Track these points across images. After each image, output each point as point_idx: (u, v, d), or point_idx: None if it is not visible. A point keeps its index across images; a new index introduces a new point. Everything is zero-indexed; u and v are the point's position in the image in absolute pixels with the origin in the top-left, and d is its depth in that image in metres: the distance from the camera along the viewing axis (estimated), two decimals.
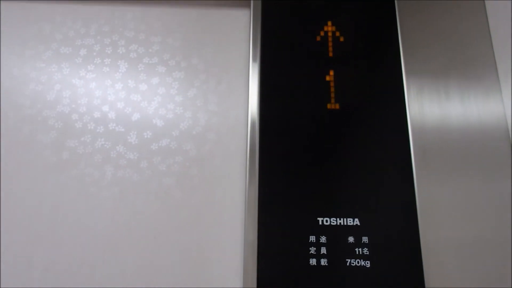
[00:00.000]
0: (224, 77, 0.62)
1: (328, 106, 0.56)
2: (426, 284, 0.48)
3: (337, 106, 0.56)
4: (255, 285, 0.49)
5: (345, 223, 0.51)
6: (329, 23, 0.59)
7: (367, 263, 0.49)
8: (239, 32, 0.64)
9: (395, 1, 0.60)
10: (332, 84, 0.57)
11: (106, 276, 0.52)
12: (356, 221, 0.51)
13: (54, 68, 0.62)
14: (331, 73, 0.57)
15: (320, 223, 0.51)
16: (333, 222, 0.51)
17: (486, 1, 0.61)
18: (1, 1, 0.65)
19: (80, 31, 0.63)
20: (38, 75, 0.61)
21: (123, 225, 0.55)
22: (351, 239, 0.50)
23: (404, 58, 0.58)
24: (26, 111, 0.59)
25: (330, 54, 0.58)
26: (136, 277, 0.52)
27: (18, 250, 0.53)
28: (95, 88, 0.61)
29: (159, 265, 0.53)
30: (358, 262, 0.49)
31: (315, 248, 0.50)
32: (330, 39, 0.59)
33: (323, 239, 0.50)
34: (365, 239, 0.50)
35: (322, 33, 0.59)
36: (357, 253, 0.49)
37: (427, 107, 0.56)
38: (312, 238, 0.50)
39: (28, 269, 0.53)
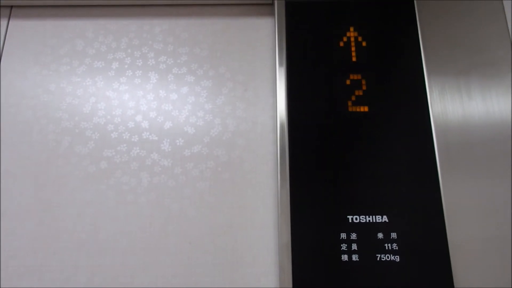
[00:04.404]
0: (251, 84, 0.67)
1: (354, 108, 0.61)
2: (455, 278, 0.53)
3: (365, 109, 0.61)
4: (291, 283, 0.54)
5: (374, 220, 0.56)
6: (351, 28, 0.65)
7: (397, 257, 0.54)
8: (264, 40, 0.70)
9: (415, 5, 0.65)
10: (356, 87, 0.62)
11: (147, 277, 0.58)
12: (385, 218, 0.56)
13: (89, 82, 0.68)
14: (355, 76, 0.62)
15: (350, 220, 0.56)
16: (363, 220, 0.56)
17: (504, 2, 0.65)
18: (35, 21, 0.71)
19: (112, 46, 0.70)
20: (74, 89, 0.68)
21: (161, 229, 0.60)
22: (380, 235, 0.55)
23: (425, 60, 0.63)
24: (65, 124, 0.66)
25: (354, 59, 0.63)
26: (175, 278, 0.58)
27: (65, 257, 0.59)
28: (128, 99, 0.67)
29: (196, 267, 0.59)
30: (388, 257, 0.54)
31: (346, 245, 0.55)
32: (353, 44, 0.64)
33: (353, 236, 0.55)
34: (393, 234, 0.55)
35: (345, 39, 0.64)
36: (386, 248, 0.54)
37: (450, 107, 0.61)
38: (343, 235, 0.55)
39: (75, 273, 0.59)
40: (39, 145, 0.65)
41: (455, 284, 0.53)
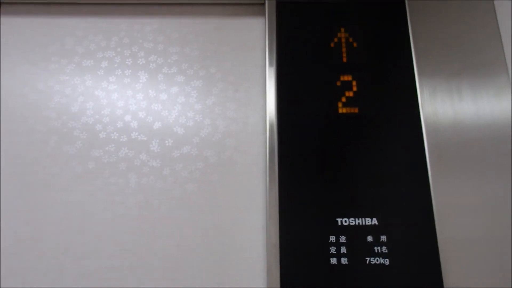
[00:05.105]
0: (242, 85, 0.67)
1: (344, 110, 0.61)
2: (445, 280, 0.53)
3: (355, 110, 0.61)
4: (278, 285, 0.53)
5: (364, 223, 0.55)
6: (342, 29, 0.64)
7: (386, 260, 0.54)
8: (255, 40, 0.69)
9: (406, 6, 0.65)
10: (347, 88, 0.62)
11: (135, 280, 0.58)
12: (374, 221, 0.55)
13: (78, 80, 0.67)
14: (346, 78, 0.62)
15: (340, 223, 0.56)
16: (352, 222, 0.56)
17: (495, 3, 0.65)
18: (25, 18, 0.71)
19: (101, 44, 0.69)
20: (63, 88, 0.67)
21: (149, 231, 0.60)
22: (369, 238, 0.55)
23: (416, 61, 0.62)
24: (52, 123, 0.65)
25: (344, 60, 0.63)
26: (163, 280, 0.58)
27: (51, 258, 0.59)
28: (117, 98, 0.66)
29: (184, 268, 0.58)
30: (377, 260, 0.54)
31: (335, 248, 0.54)
32: (343, 45, 0.64)
33: (342, 238, 0.55)
34: (383, 237, 0.55)
35: (336, 40, 0.64)
36: (376, 251, 0.54)
37: (440, 108, 0.61)
38: (332, 238, 0.55)
39: (60, 276, 0.58)
40: (26, 145, 0.64)
41: (445, 285, 0.52)
